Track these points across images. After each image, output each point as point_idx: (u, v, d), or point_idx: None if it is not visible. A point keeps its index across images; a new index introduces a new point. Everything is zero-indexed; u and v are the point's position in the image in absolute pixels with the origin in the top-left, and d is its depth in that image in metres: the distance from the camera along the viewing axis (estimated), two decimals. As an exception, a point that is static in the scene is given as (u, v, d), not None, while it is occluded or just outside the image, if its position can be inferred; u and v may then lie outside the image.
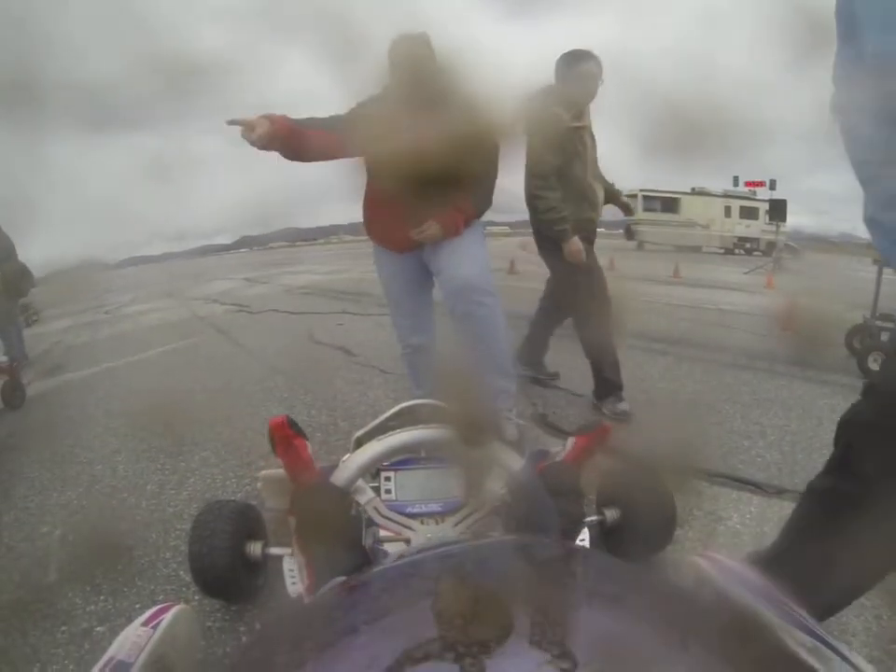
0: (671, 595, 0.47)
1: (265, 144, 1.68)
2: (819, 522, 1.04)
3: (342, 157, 1.86)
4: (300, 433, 1.46)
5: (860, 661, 0.49)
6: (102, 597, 1.63)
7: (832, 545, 0.89)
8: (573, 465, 1.54)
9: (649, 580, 0.51)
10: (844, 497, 0.98)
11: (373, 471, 1.31)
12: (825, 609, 1.09)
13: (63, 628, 1.53)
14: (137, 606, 1.56)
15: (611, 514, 1.48)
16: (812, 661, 0.45)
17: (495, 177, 2.04)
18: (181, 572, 1.68)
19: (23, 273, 5.53)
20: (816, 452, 2.30)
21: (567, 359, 3.77)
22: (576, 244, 2.53)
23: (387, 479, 1.29)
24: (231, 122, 1.65)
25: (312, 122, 1.85)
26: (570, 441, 1.64)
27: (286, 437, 1.38)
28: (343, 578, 0.63)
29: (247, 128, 1.66)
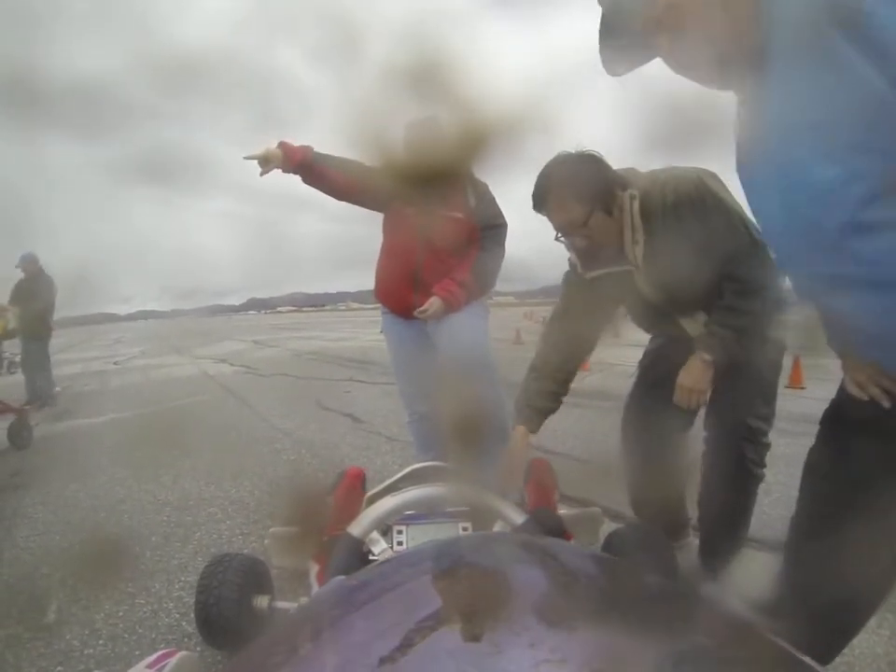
0: (670, 596, 0.52)
1: (283, 169, 1.87)
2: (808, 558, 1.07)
3: (349, 200, 2.03)
4: (363, 491, 1.55)
5: None
6: (101, 641, 1.63)
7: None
8: (549, 509, 1.60)
9: (648, 580, 0.55)
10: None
11: (386, 528, 1.38)
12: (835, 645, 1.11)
13: (60, 669, 1.53)
14: (137, 653, 1.56)
15: None
16: None
17: (500, 255, 2.14)
18: (183, 623, 1.68)
19: (42, 316, 5.71)
20: None
21: (574, 426, 3.80)
22: None
23: (399, 532, 1.36)
24: (248, 158, 1.82)
25: (331, 160, 1.98)
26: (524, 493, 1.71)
27: (354, 487, 1.47)
28: (343, 577, 0.66)
29: (262, 161, 1.82)
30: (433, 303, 2.03)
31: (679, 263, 1.44)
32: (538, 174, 1.43)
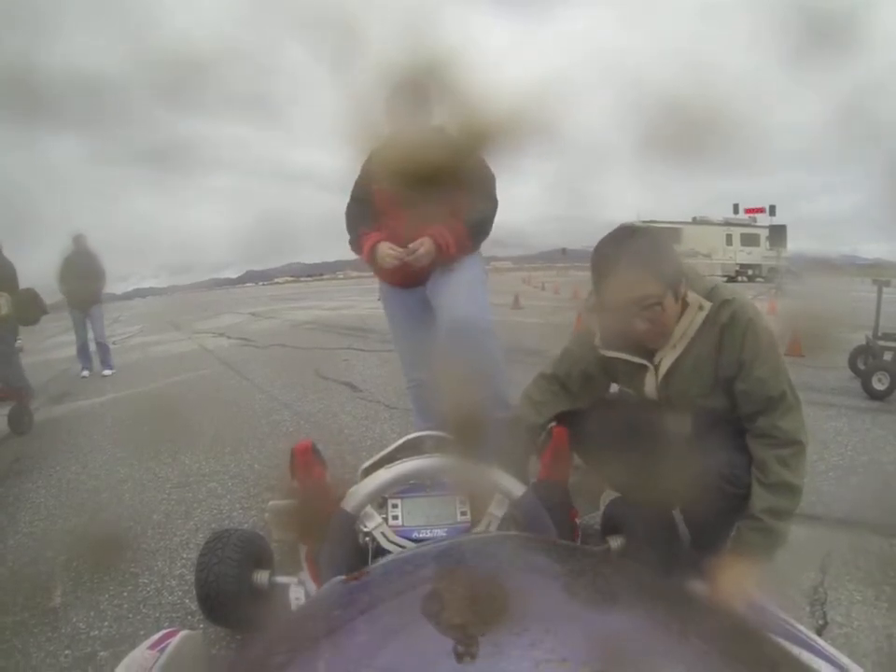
0: (669, 594, 0.50)
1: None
2: None
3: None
4: (321, 460, 1.51)
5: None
6: (106, 623, 1.64)
7: None
8: (558, 481, 1.58)
9: (648, 580, 0.53)
10: None
11: (381, 500, 1.35)
12: None
13: (67, 652, 1.54)
14: (142, 632, 1.56)
15: (616, 543, 1.50)
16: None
17: (491, 207, 2.10)
18: (186, 600, 1.69)
19: (34, 299, 5.60)
20: (821, 475, 2.29)
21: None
22: None
23: (394, 506, 1.34)
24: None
25: None
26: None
27: (307, 462, 1.43)
28: (342, 577, 0.65)
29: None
30: (423, 243, 1.99)
31: (706, 391, 1.38)
32: (602, 243, 1.32)
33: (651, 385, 1.44)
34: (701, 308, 1.31)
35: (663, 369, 1.40)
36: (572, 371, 1.56)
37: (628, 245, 1.28)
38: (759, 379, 1.29)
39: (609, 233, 1.33)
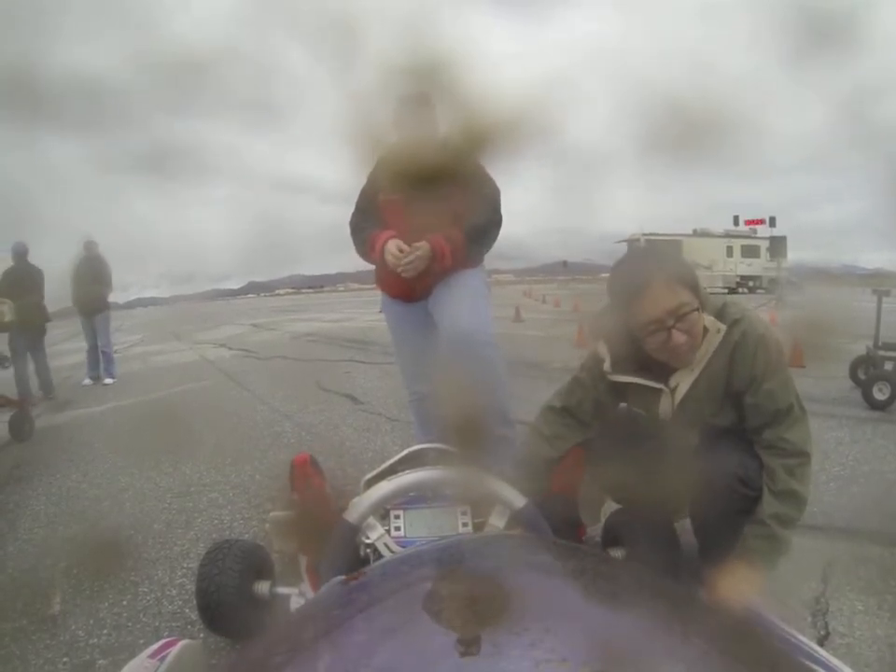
0: (670, 595, 0.50)
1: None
2: None
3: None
4: (319, 472, 1.51)
5: None
6: (105, 631, 1.64)
7: None
8: (567, 496, 1.58)
9: (648, 580, 0.54)
10: None
11: (383, 512, 1.36)
12: None
13: (65, 659, 1.53)
14: (141, 641, 1.56)
15: (616, 555, 1.50)
16: None
17: (493, 219, 2.10)
18: (186, 609, 1.69)
19: (37, 307, 5.62)
20: (823, 486, 2.28)
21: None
22: None
23: (397, 517, 1.34)
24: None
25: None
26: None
27: (306, 474, 1.44)
28: (342, 577, 0.66)
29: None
30: (420, 247, 1.99)
31: (716, 409, 1.40)
32: (621, 266, 1.35)
33: (666, 407, 1.44)
34: (718, 331, 1.32)
35: (680, 392, 1.39)
36: (584, 402, 1.55)
37: (650, 260, 1.31)
38: (768, 392, 1.30)
39: (624, 256, 1.36)
